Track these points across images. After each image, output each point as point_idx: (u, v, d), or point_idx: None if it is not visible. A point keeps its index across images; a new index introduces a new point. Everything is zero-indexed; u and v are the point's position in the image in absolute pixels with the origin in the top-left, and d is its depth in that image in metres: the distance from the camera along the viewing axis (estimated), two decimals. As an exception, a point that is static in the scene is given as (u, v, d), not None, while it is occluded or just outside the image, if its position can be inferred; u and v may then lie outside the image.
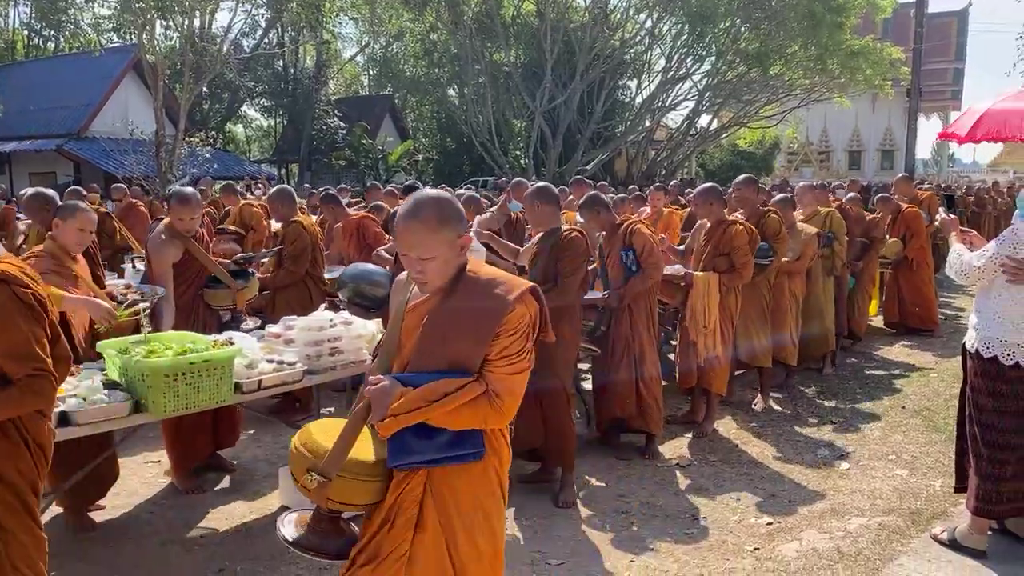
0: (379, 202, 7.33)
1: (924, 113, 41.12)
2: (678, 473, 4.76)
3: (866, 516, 4.10)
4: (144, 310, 3.78)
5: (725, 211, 5.40)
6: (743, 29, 25.51)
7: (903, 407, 5.99)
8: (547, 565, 3.63)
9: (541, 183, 4.62)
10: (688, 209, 8.47)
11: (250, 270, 4.94)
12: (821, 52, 24.23)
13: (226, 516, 4.17)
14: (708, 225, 5.35)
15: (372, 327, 4.19)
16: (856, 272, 7.43)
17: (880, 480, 4.60)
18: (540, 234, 4.46)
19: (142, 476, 4.69)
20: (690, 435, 5.35)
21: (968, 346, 3.62)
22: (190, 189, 4.62)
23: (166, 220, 4.63)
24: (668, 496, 4.42)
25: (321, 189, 10.05)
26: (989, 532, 3.68)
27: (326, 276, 5.84)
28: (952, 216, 3.93)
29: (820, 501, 4.31)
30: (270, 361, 3.80)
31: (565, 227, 4.34)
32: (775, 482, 4.59)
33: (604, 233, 4.97)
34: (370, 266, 3.74)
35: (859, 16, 24.97)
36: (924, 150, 56.37)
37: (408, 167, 31.22)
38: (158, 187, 16.12)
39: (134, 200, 9.27)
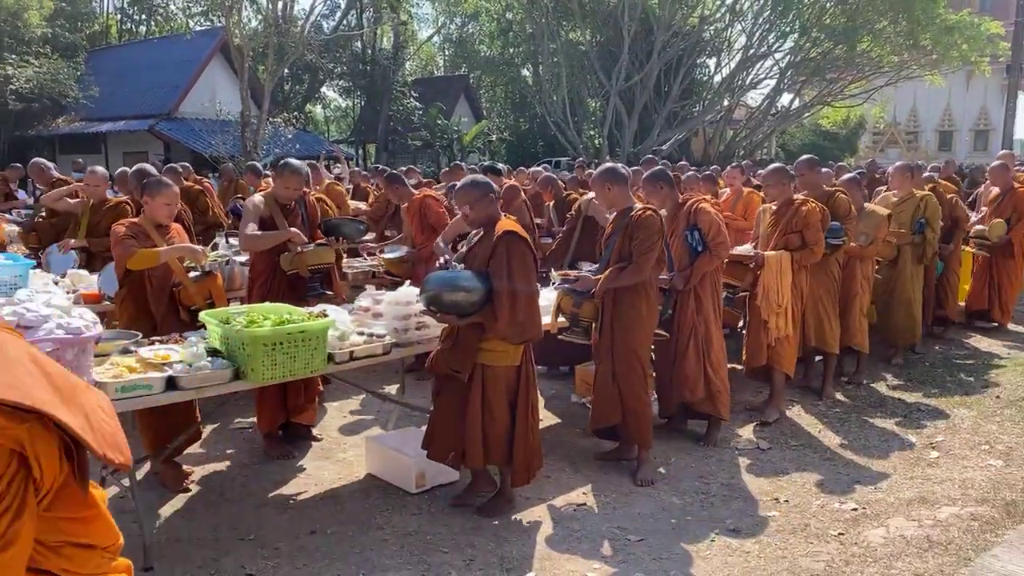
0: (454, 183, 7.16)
1: (1022, 91, 38.99)
2: (759, 456, 4.71)
3: (957, 505, 3.99)
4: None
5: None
6: (829, 3, 24.62)
7: (997, 396, 5.76)
8: (627, 541, 3.66)
9: (608, 164, 4.56)
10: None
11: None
12: (913, 27, 23.25)
13: (316, 482, 4.35)
14: (774, 207, 5.24)
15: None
16: (945, 256, 7.10)
17: (972, 470, 4.45)
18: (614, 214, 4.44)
19: (236, 441, 4.92)
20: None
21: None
22: (296, 161, 4.74)
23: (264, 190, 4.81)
24: (749, 478, 4.39)
25: (381, 168, 10.20)
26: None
27: (388, 255, 6.18)
28: None
29: (908, 489, 4.21)
30: (360, 334, 3.93)
31: (639, 206, 4.30)
32: (860, 468, 4.50)
33: (666, 212, 4.81)
34: (461, 273, 3.67)
35: (955, -12, 23.80)
36: (1021, 130, 53.32)
37: (482, 148, 31.39)
38: (243, 166, 16.64)
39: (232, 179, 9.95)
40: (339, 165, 14.43)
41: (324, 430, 5.13)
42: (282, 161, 4.69)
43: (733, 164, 8.21)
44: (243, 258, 4.55)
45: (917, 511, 3.94)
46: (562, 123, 26.00)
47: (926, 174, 7.88)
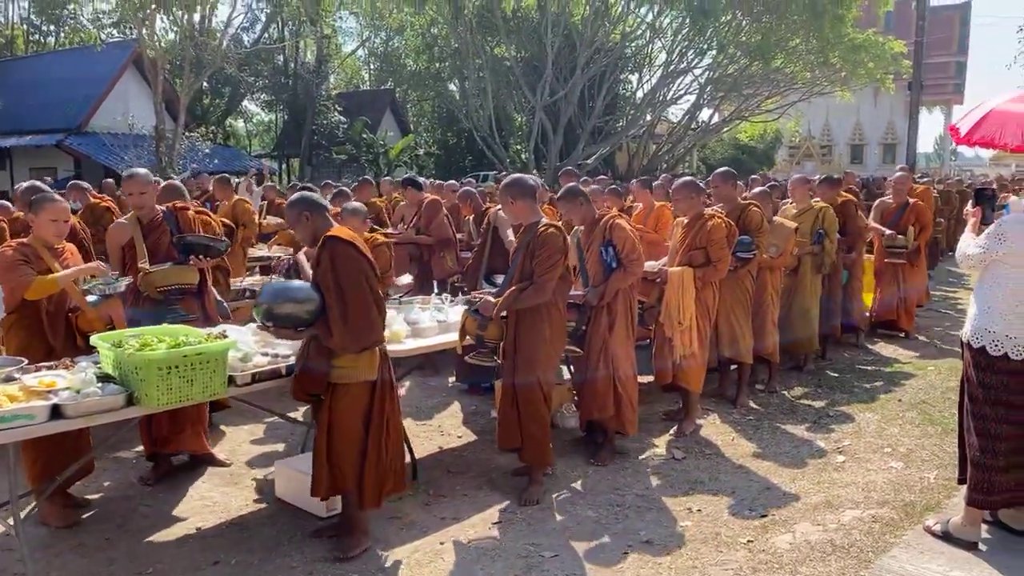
0: (356, 204, 5.62)
1: (926, 107, 41.14)
2: (674, 467, 4.76)
3: (860, 508, 4.10)
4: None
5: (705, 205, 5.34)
6: (744, 22, 25.43)
7: (900, 400, 5.99)
8: (540, 557, 3.63)
9: (514, 176, 4.46)
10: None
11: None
12: (823, 45, 24.18)
13: (222, 510, 4.19)
14: (685, 221, 5.28)
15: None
16: (848, 265, 7.35)
17: (875, 472, 4.60)
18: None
19: (140, 469, 4.70)
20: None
21: (963, 336, 3.62)
22: (142, 170, 4.52)
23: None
24: (664, 489, 4.43)
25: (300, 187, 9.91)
26: (983, 524, 3.69)
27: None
28: (975, 208, 3.75)
29: (815, 494, 4.32)
30: (265, 354, 3.81)
31: (543, 221, 4.19)
32: (770, 475, 4.60)
33: (584, 227, 4.82)
34: (291, 283, 3.52)
35: (861, 9, 24.87)
36: (926, 144, 56.17)
37: (409, 161, 31.21)
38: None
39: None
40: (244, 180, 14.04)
41: (233, 454, 4.95)
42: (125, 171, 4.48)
43: (641, 179, 8.30)
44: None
45: (823, 516, 4.03)
46: (489, 138, 26.05)
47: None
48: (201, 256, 4.47)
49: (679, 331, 4.99)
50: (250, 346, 3.74)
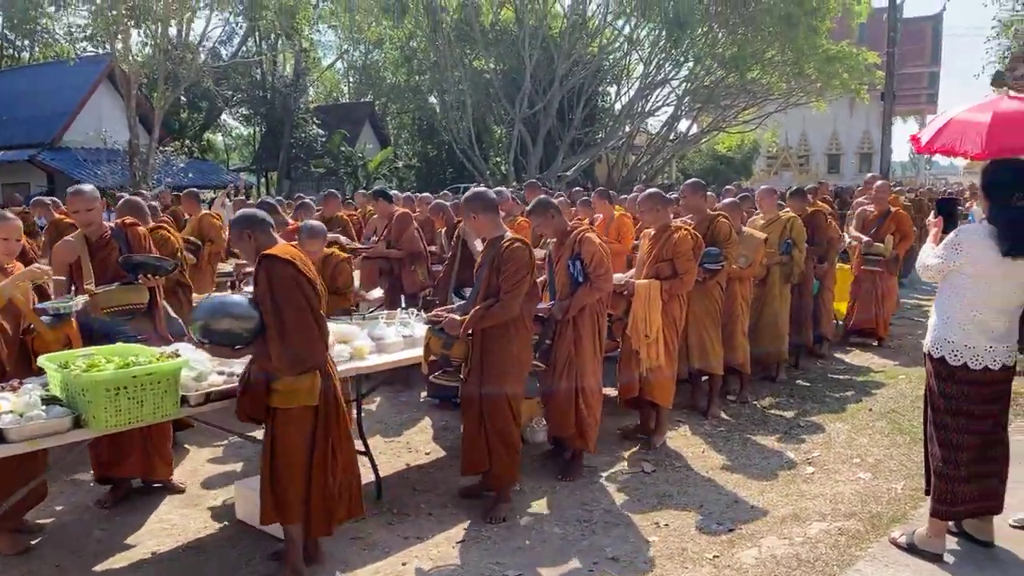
0: (313, 224, 5.20)
1: (900, 116, 41.62)
2: (643, 480, 4.72)
3: (827, 521, 4.07)
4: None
5: (672, 216, 5.31)
6: (720, 34, 25.67)
7: (870, 409, 5.99)
8: (504, 576, 3.57)
9: (476, 189, 4.39)
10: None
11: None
12: (798, 56, 24.45)
13: (180, 532, 4.09)
14: (652, 232, 5.24)
15: (334, 335, 4.12)
16: (820, 275, 7.37)
17: (843, 484, 4.58)
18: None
19: (97, 492, 4.58)
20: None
21: (924, 347, 3.61)
22: (88, 186, 4.39)
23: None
24: (631, 504, 4.38)
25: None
26: (948, 535, 3.67)
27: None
28: (936, 219, 3.75)
29: (783, 506, 4.29)
30: (220, 373, 3.73)
31: (508, 235, 4.12)
32: (739, 488, 4.56)
33: (554, 240, 4.79)
34: (229, 297, 3.33)
35: (834, 21, 25.18)
36: (902, 153, 56.82)
37: (389, 174, 31.14)
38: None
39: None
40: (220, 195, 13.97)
41: (195, 474, 4.86)
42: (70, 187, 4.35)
43: (600, 189, 8.29)
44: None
45: (789, 529, 4.00)
46: (468, 150, 26.06)
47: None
48: (150, 275, 4.37)
49: (646, 344, 4.94)
50: (205, 365, 3.66)
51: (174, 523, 4.20)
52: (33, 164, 21.69)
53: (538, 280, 4.39)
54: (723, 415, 5.90)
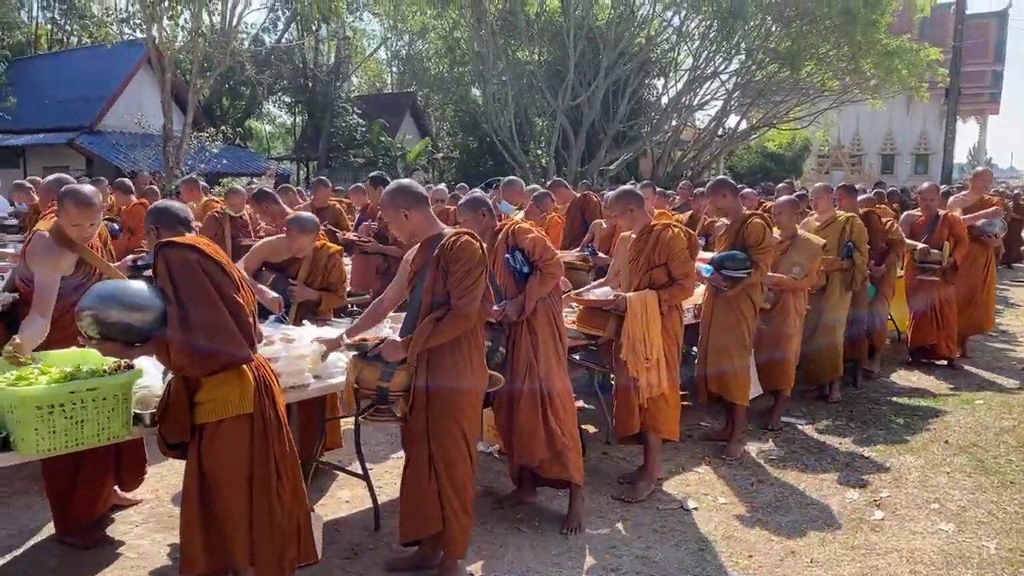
0: (304, 216, 4.71)
1: (961, 116, 39.86)
2: (683, 519, 4.08)
3: (904, 586, 3.40)
4: None
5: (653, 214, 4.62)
6: (774, 27, 24.67)
7: (946, 442, 5.23)
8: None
9: (397, 181, 3.49)
10: (690, 211, 7.67)
11: None
12: (854, 52, 23.33)
13: (147, 562, 3.58)
14: (634, 235, 4.42)
15: (315, 345, 3.56)
16: (877, 278, 6.56)
17: (921, 537, 3.87)
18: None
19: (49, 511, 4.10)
20: (701, 468, 4.68)
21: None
22: (89, 188, 3.67)
23: (56, 223, 3.65)
24: (667, 549, 3.75)
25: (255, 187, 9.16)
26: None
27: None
28: None
29: (848, 563, 3.61)
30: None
31: (448, 231, 3.28)
32: (795, 534, 3.90)
33: (486, 239, 3.86)
34: (126, 283, 2.81)
35: (895, 14, 23.98)
36: (960, 154, 54.72)
37: (427, 165, 30.71)
38: (164, 182, 15.72)
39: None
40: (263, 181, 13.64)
41: (156, 491, 4.35)
42: (64, 188, 3.62)
43: (646, 181, 7.63)
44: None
45: (858, 595, 3.34)
46: (509, 142, 25.47)
47: (864, 196, 7.33)
48: None
49: (645, 369, 4.17)
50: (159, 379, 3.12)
51: (143, 552, 3.68)
52: (72, 147, 21.69)
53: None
54: (771, 443, 5.21)
